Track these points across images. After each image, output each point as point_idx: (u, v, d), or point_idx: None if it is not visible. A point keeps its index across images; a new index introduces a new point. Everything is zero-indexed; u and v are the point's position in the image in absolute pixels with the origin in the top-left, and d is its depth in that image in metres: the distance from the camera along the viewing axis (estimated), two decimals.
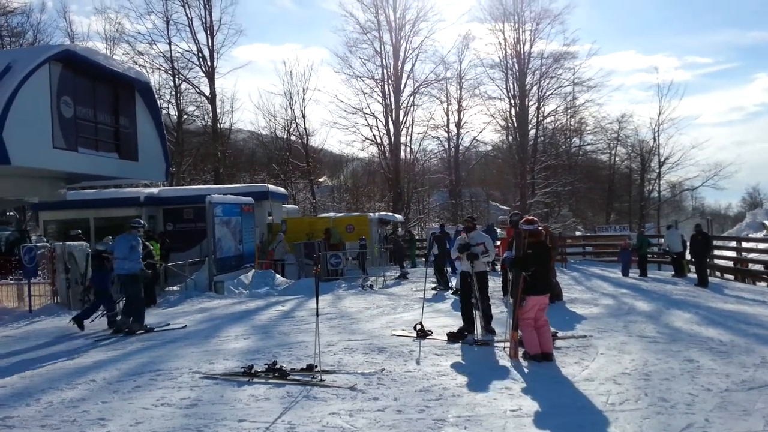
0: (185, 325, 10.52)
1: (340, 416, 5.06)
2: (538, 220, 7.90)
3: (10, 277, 13.77)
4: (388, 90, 37.84)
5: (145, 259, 14.23)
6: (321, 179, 44.68)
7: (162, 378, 6.50)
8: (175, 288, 15.94)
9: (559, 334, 8.30)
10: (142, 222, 10.68)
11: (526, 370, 6.62)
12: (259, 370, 6.52)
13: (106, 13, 42.17)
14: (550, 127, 42.81)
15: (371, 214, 26.30)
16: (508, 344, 7.45)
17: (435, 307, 11.76)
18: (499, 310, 10.86)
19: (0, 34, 36.24)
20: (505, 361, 7.07)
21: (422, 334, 8.57)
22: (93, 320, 10.57)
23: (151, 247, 14.64)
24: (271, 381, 6.22)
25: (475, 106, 44.16)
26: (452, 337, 8.31)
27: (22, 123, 13.16)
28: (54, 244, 13.06)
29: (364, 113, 38.20)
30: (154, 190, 21.66)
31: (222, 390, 5.97)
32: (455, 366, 6.91)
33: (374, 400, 5.50)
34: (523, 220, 7.65)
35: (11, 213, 15.30)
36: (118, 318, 10.34)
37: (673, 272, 18.53)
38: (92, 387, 6.19)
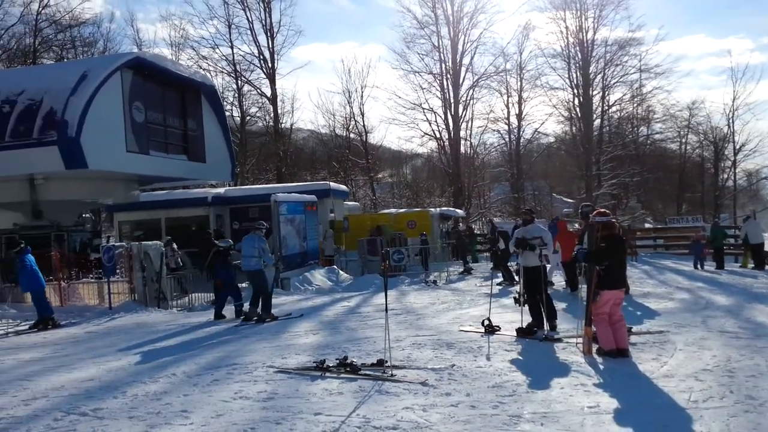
0: (302, 314, 11.30)
1: (413, 411, 5.07)
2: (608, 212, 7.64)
3: (91, 275, 14.48)
4: (447, 84, 37.62)
5: (215, 257, 14.74)
6: (381, 176, 44.89)
7: (238, 372, 6.69)
8: (244, 285, 16.35)
9: (634, 329, 8.05)
10: (265, 224, 11.64)
11: (601, 367, 6.45)
12: (331, 365, 6.61)
13: (171, 20, 44.18)
14: (616, 117, 41.53)
15: (432, 209, 26.24)
16: (580, 340, 7.28)
17: (501, 303, 11.61)
18: (563, 305, 10.62)
19: (74, 45, 38.17)
20: (578, 357, 6.91)
21: (490, 329, 8.48)
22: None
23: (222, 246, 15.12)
24: (342, 375, 6.30)
25: (537, 98, 43.35)
26: (521, 333, 8.19)
27: (98, 129, 13.83)
28: (130, 244, 13.64)
29: (423, 108, 38.13)
30: (221, 190, 22.33)
31: (296, 384, 6.09)
32: (526, 362, 6.80)
33: (447, 396, 5.48)
34: (595, 212, 7.45)
35: (87, 215, 16.16)
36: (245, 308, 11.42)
37: (752, 265, 17.65)
38: (173, 380, 6.44)
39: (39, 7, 36.51)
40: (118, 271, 13.48)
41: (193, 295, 14.60)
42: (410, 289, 15.17)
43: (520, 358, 6.99)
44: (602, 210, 7.43)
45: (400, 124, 51.81)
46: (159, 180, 19.02)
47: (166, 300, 13.55)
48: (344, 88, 40.36)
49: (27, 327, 11.40)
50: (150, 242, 14.00)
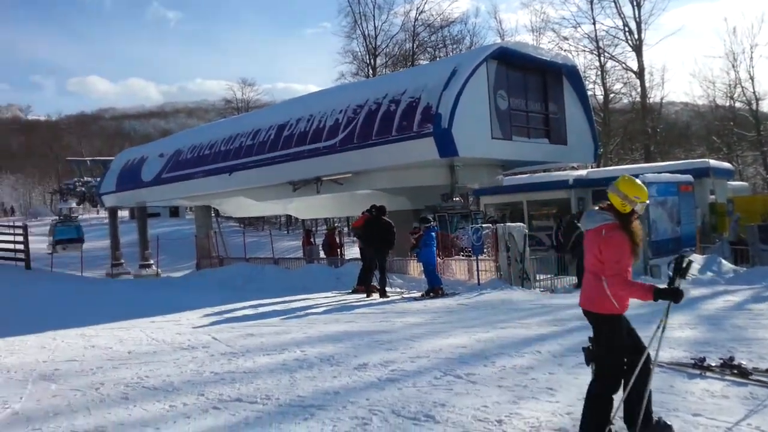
0: None
1: None
2: None
3: (462, 253, 15.80)
4: None
5: (577, 240, 14.53)
6: None
7: None
8: None
9: None
10: None
11: None
12: (713, 365, 5.80)
13: (532, 5, 44.86)
14: None
15: None
16: None
17: None
18: None
19: (444, 43, 42.30)
20: None
21: None
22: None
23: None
24: (728, 378, 5.47)
25: None
26: None
27: (467, 119, 14.90)
28: (496, 226, 14.38)
29: None
30: (583, 173, 21.89)
31: (671, 379, 5.54)
32: None
33: None
34: None
35: (457, 198, 17.60)
36: None
37: None
38: (538, 357, 6.54)
39: (416, 13, 41.62)
40: (485, 250, 14.39)
41: (557, 278, 14.69)
42: None
43: None
44: None
45: None
46: (521, 164, 19.61)
47: (530, 280, 13.90)
48: (727, 51, 35.02)
49: (419, 294, 13.13)
50: (514, 224, 14.54)
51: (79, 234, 35.52)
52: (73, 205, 44.63)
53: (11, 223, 29.36)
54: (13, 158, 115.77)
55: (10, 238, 24.13)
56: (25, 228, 23.69)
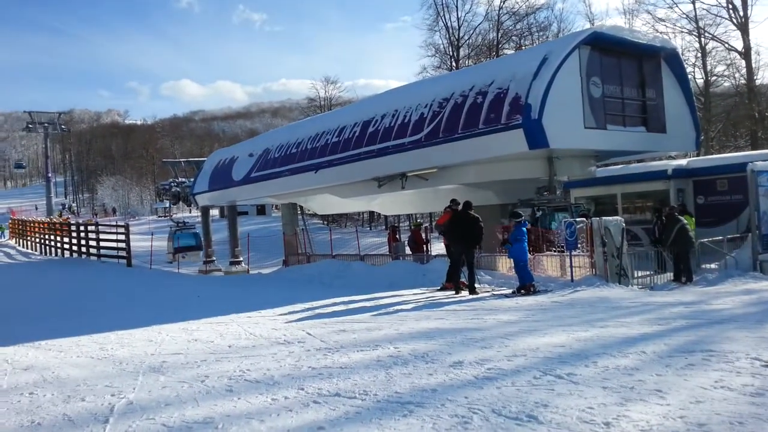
0: None
1: None
2: None
3: (554, 248, 15.31)
4: None
5: (679, 234, 13.78)
6: None
7: (715, 360, 6.00)
8: (712, 266, 14.80)
9: None
10: None
11: None
12: None
13: None
14: None
15: None
16: None
17: None
18: None
19: (530, 31, 41.22)
20: None
21: None
22: None
23: (686, 222, 14.03)
24: None
25: None
26: None
27: (557, 108, 14.39)
28: (591, 220, 13.83)
29: None
30: (683, 162, 20.68)
31: None
32: None
33: None
34: None
35: (545, 192, 17.02)
36: None
37: None
38: (643, 358, 6.20)
39: (500, 1, 40.79)
40: (579, 245, 13.87)
41: (656, 275, 13.96)
42: None
43: None
44: None
45: None
46: (616, 154, 18.77)
47: (627, 276, 13.27)
48: None
49: (510, 291, 12.88)
50: (611, 218, 13.92)
51: (197, 241, 34.59)
52: (167, 204, 46.40)
53: (114, 223, 31.27)
54: (113, 161, 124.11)
55: (113, 237, 25.83)
56: (127, 227, 25.23)
